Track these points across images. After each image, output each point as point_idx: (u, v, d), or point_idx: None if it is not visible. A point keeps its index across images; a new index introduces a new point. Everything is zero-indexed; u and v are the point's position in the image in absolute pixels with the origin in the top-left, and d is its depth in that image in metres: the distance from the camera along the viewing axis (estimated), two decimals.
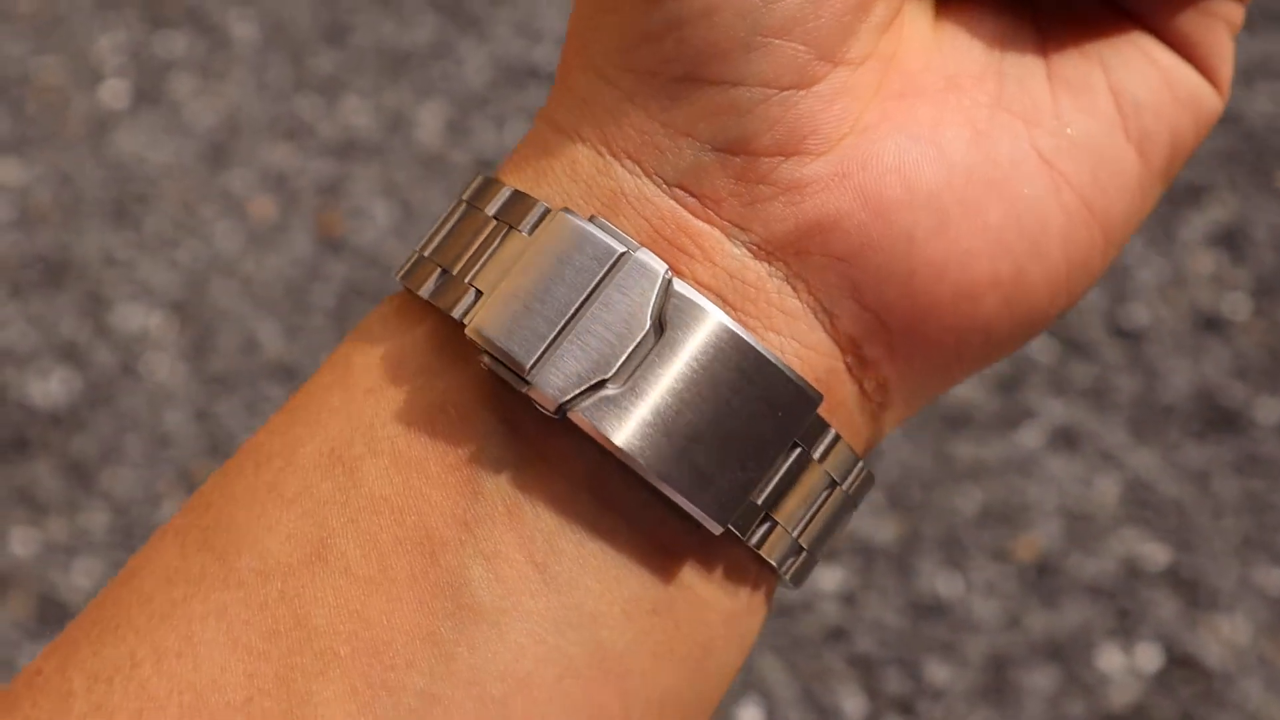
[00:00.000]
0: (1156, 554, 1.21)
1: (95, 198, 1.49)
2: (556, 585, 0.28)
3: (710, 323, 0.28)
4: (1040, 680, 1.16)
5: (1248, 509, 1.23)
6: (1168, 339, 1.34)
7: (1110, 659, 1.17)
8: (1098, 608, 1.19)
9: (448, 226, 0.31)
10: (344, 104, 1.56)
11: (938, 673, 1.17)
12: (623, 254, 0.28)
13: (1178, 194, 1.43)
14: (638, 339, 0.28)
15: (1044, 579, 1.20)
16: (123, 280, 1.43)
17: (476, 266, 0.29)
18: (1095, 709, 1.14)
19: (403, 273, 0.31)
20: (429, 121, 1.54)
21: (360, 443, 0.29)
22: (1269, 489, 1.24)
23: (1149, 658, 1.16)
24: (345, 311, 1.39)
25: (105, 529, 1.27)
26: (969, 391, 1.31)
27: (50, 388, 1.36)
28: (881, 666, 1.18)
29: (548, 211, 0.29)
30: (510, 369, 0.28)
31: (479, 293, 0.29)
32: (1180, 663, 1.16)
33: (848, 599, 1.21)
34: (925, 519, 1.24)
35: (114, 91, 1.58)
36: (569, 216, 0.29)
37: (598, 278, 0.28)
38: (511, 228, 0.29)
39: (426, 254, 0.31)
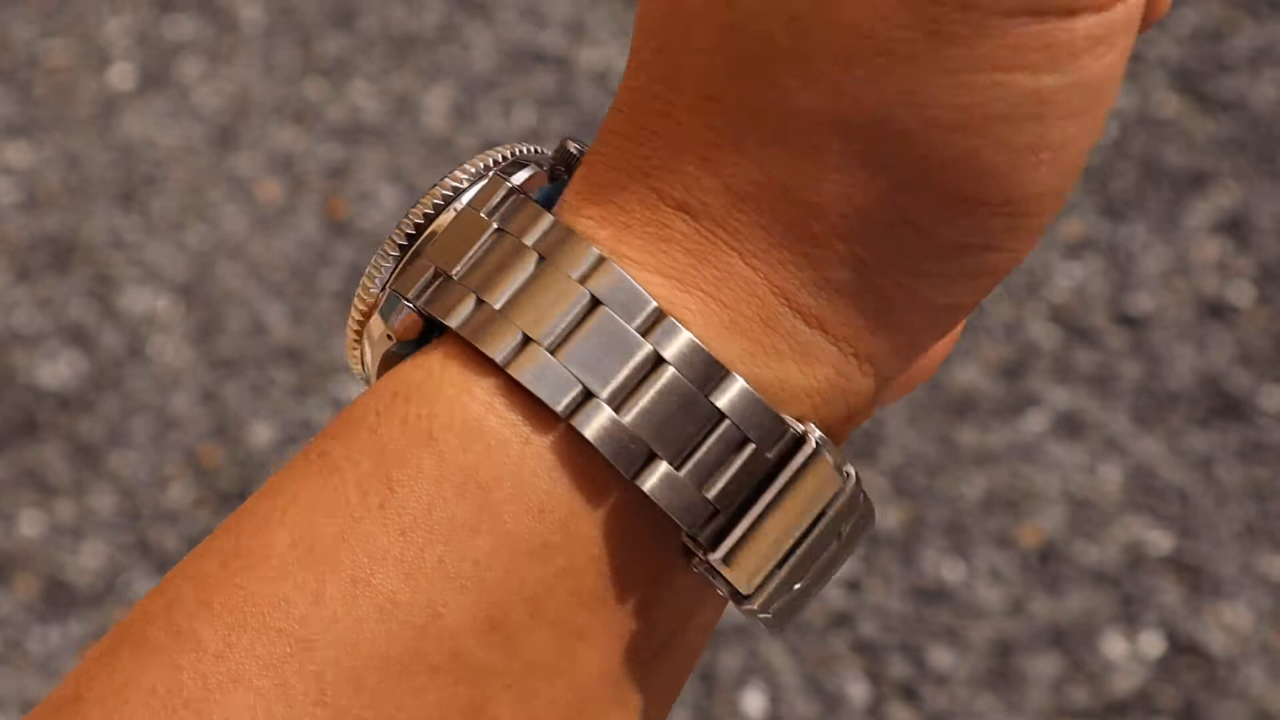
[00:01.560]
0: (1160, 541, 1.22)
1: (103, 180, 1.49)
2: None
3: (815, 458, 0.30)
4: (1044, 666, 1.16)
5: (1251, 496, 1.24)
6: (1172, 326, 1.34)
7: (1113, 645, 1.17)
8: (1101, 594, 1.19)
9: (559, 312, 0.29)
10: (351, 87, 1.56)
11: (941, 658, 1.17)
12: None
13: (1181, 182, 1.43)
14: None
15: (1047, 565, 1.21)
16: (130, 263, 1.43)
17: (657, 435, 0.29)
18: (1098, 695, 1.15)
19: (504, 357, 0.29)
20: (435, 105, 1.54)
21: (521, 610, 0.28)
22: (1273, 476, 1.24)
23: (1152, 644, 1.17)
24: (351, 294, 1.40)
25: (112, 511, 1.28)
26: (973, 378, 1.31)
27: (58, 370, 1.36)
28: (885, 652, 1.18)
29: (748, 393, 0.29)
30: (730, 585, 0.29)
31: (718, 513, 0.29)
32: (1183, 649, 1.16)
33: (852, 585, 1.21)
34: (929, 505, 1.24)
35: (122, 74, 1.58)
36: (823, 456, 0.29)
37: (825, 511, 0.30)
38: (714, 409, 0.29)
39: (551, 351, 0.29)
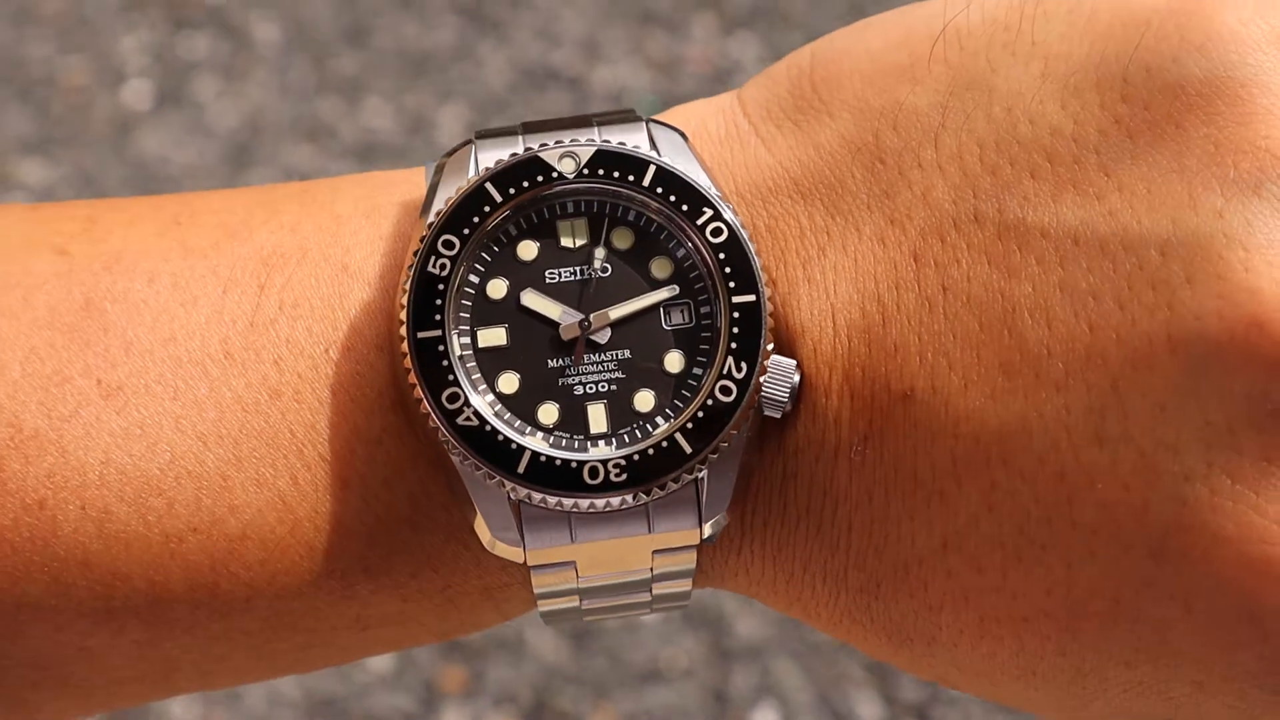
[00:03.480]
0: None
1: (118, 197, 1.50)
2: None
3: None
4: None
5: None
6: None
7: None
8: None
9: None
10: (365, 105, 1.56)
11: None
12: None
13: None
14: None
15: None
16: None
17: None
18: None
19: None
20: (449, 123, 1.54)
21: None
22: None
23: None
24: None
25: None
26: None
27: None
28: (898, 672, 1.18)
29: None
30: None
31: None
32: None
33: None
34: None
35: (137, 92, 1.58)
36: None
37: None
38: None
39: None
